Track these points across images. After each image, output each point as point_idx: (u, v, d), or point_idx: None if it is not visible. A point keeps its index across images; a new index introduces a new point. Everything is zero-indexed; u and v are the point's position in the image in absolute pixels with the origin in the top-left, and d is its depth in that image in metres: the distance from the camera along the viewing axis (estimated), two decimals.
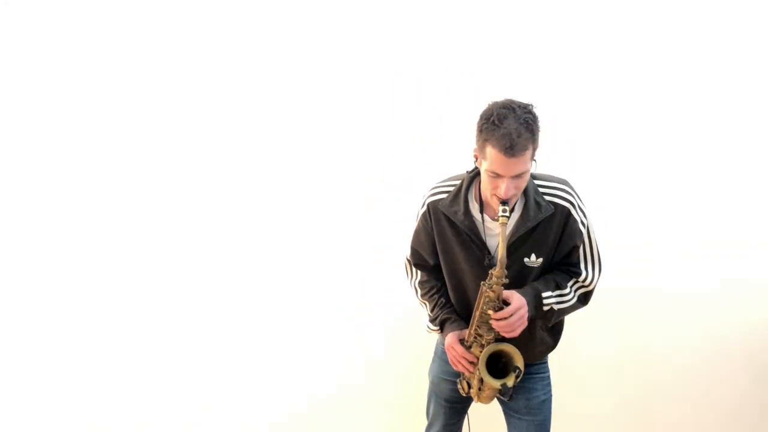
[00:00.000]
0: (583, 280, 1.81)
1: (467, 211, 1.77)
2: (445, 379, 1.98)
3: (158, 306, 2.63)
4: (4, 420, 2.63)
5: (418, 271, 2.00)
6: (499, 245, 1.64)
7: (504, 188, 1.61)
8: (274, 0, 2.59)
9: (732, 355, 2.60)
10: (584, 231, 1.78)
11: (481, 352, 1.78)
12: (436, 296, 1.95)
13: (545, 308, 1.76)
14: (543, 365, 1.96)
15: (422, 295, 1.99)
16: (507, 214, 1.61)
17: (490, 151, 1.60)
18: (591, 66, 2.55)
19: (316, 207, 2.61)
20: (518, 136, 1.57)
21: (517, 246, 1.75)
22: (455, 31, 2.55)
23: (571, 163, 2.52)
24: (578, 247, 1.79)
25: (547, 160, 2.49)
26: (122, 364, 2.64)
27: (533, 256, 1.76)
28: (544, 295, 1.76)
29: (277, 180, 2.62)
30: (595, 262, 1.83)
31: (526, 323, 1.71)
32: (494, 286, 1.69)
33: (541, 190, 1.76)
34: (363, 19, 2.58)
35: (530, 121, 1.61)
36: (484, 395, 1.86)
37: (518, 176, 1.62)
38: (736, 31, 2.53)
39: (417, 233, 1.93)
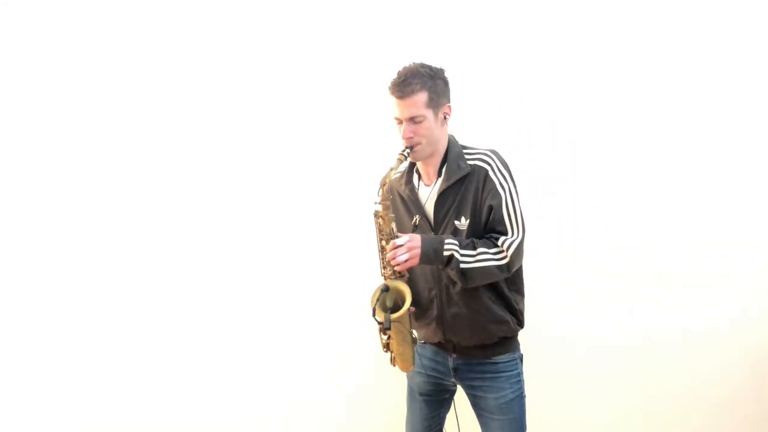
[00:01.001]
0: (502, 244, 1.82)
1: (409, 180, 1.95)
2: (417, 372, 2.02)
3: (159, 307, 2.63)
4: (4, 420, 2.62)
5: None
6: (388, 174, 1.79)
7: (403, 130, 1.81)
8: (274, 1, 2.59)
9: (732, 355, 2.60)
10: (503, 193, 1.83)
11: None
12: None
13: (445, 252, 1.80)
14: (511, 363, 1.94)
15: None
16: (405, 153, 1.80)
17: (392, 99, 1.82)
18: (591, 67, 2.55)
19: (316, 207, 2.62)
20: (406, 79, 1.78)
21: (446, 209, 1.87)
22: (456, 32, 2.56)
23: (571, 163, 2.53)
24: (495, 209, 1.83)
25: (548, 160, 2.52)
26: (122, 365, 2.65)
27: (462, 219, 1.86)
28: (449, 240, 1.81)
29: (277, 180, 2.62)
30: (518, 226, 1.85)
31: (416, 258, 1.78)
32: (382, 211, 1.82)
33: (466, 155, 1.89)
34: (364, 20, 2.59)
35: (426, 73, 1.81)
36: (395, 354, 1.88)
37: (415, 121, 1.80)
38: (735, 32, 2.52)
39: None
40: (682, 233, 2.56)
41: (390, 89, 1.82)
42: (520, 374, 1.96)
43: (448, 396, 2.08)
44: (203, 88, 2.61)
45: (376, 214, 1.85)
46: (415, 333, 1.95)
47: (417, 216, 1.91)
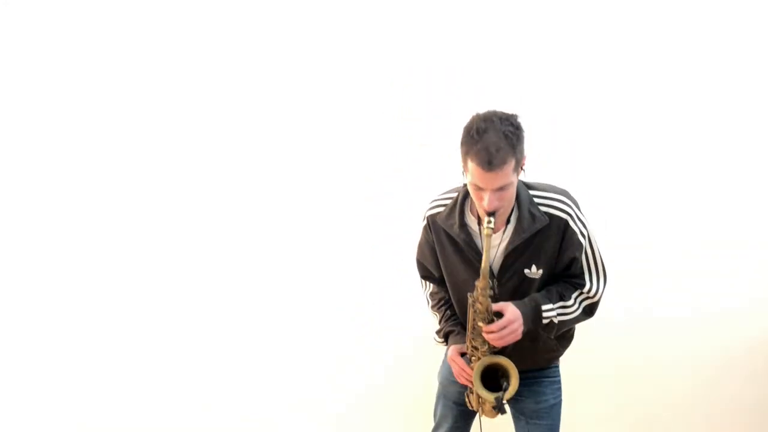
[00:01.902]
0: (588, 291, 1.79)
1: (463, 223, 1.78)
2: (454, 382, 1.95)
3: (159, 307, 2.63)
4: (4, 420, 2.63)
5: (429, 283, 2.01)
6: (483, 256, 1.65)
7: (487, 201, 1.61)
8: (275, 2, 2.59)
9: (733, 356, 2.60)
10: (584, 242, 1.76)
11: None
12: (443, 308, 1.95)
13: (545, 321, 1.74)
14: (553, 369, 1.93)
15: (432, 306, 2.00)
16: (491, 225, 1.61)
17: (471, 165, 1.61)
18: (590, 67, 2.54)
19: (316, 207, 2.61)
20: (497, 151, 1.56)
21: (515, 257, 1.75)
22: (456, 34, 2.55)
23: (571, 164, 2.53)
24: (578, 259, 1.77)
25: (548, 160, 2.51)
26: (121, 365, 2.64)
27: (533, 267, 1.75)
28: (544, 307, 1.74)
29: (276, 181, 2.62)
30: (600, 272, 1.81)
31: (519, 336, 1.70)
32: (479, 297, 1.69)
33: (537, 201, 1.75)
34: (365, 21, 2.58)
35: (510, 134, 1.60)
36: (486, 408, 1.84)
37: (501, 189, 1.61)
38: (735, 32, 2.52)
39: (420, 246, 1.96)
40: (682, 233, 2.56)
41: (471, 156, 1.60)
42: (560, 381, 1.95)
43: None
44: (204, 90, 2.61)
45: (475, 299, 1.71)
46: None
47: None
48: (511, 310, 1.69)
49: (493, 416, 1.85)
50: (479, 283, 1.68)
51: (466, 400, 1.89)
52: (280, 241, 2.62)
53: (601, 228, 2.49)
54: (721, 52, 2.52)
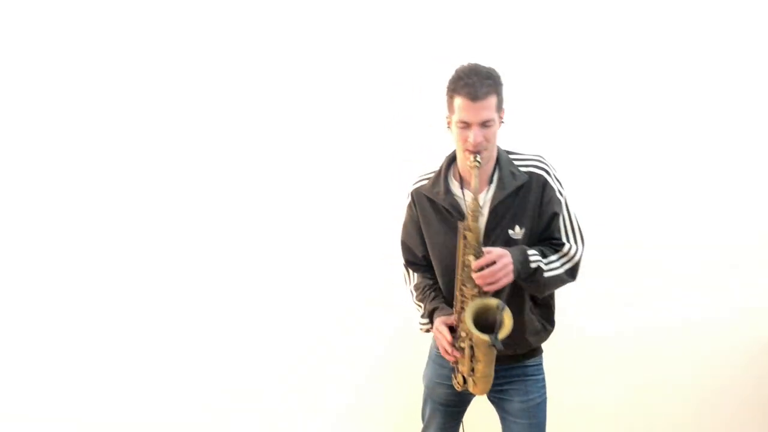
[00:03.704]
0: (567, 251, 1.81)
1: (448, 189, 1.84)
2: (440, 383, 1.97)
3: (159, 308, 2.64)
4: (3, 420, 2.65)
5: (414, 274, 2.01)
6: (473, 180, 1.69)
7: (473, 135, 1.70)
8: (275, 3, 2.59)
9: (732, 355, 2.60)
10: (562, 201, 1.81)
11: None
12: (428, 292, 1.95)
13: (532, 264, 1.73)
14: (538, 367, 1.94)
15: (416, 297, 2.00)
16: (479, 160, 1.70)
17: (458, 100, 1.72)
18: (591, 66, 2.54)
19: (314, 207, 2.62)
20: (482, 84, 1.69)
21: (500, 217, 1.79)
22: (458, 31, 2.55)
23: (571, 164, 2.51)
24: (558, 216, 1.80)
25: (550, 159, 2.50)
26: (123, 365, 2.66)
27: (516, 228, 1.79)
28: (530, 252, 1.74)
29: (277, 181, 2.62)
30: (577, 234, 1.83)
31: (511, 276, 1.68)
32: (470, 223, 1.70)
33: (516, 162, 1.83)
34: (365, 20, 2.58)
35: (493, 74, 1.74)
36: (478, 376, 1.76)
37: (485, 125, 1.71)
38: (734, 32, 2.51)
39: (405, 226, 2.00)
40: (683, 232, 2.55)
41: (458, 90, 1.71)
42: (544, 378, 1.96)
43: (467, 406, 2.05)
44: (204, 91, 2.61)
45: (465, 227, 1.71)
46: None
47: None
48: (498, 249, 1.70)
49: (484, 388, 1.78)
50: (470, 204, 1.72)
51: (454, 382, 1.86)
52: (276, 242, 2.63)
53: (601, 228, 2.51)
54: (721, 53, 2.51)
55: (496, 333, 1.62)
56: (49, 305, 2.63)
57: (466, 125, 1.72)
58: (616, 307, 2.56)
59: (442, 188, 1.83)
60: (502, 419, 1.97)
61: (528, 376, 1.91)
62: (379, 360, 2.60)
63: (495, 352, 1.69)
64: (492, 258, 1.66)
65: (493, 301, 1.68)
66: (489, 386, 1.79)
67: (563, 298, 2.51)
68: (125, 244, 2.63)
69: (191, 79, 2.61)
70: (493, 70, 1.76)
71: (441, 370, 1.95)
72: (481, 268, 1.66)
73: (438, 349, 1.87)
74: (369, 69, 2.57)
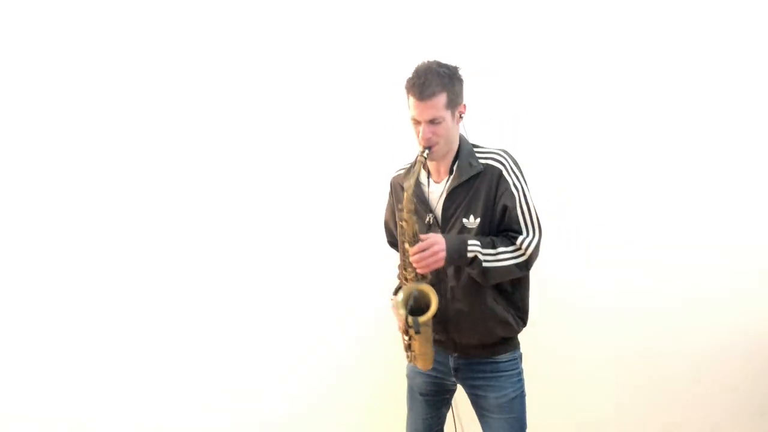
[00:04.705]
0: (520, 245, 1.84)
1: (417, 180, 1.93)
2: (419, 372, 2.02)
3: (159, 308, 2.64)
4: (4, 420, 2.65)
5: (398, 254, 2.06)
6: (410, 178, 1.78)
7: (422, 131, 1.80)
8: (275, 3, 2.58)
9: (731, 354, 2.59)
10: (517, 194, 1.85)
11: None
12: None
13: (469, 254, 1.79)
14: (512, 362, 1.95)
15: (398, 276, 2.04)
16: (426, 154, 1.80)
17: (410, 99, 1.82)
18: (598, 66, 2.53)
19: (314, 207, 2.62)
20: (429, 84, 1.77)
21: (455, 205, 1.88)
22: (464, 31, 2.55)
23: (571, 164, 2.51)
24: (511, 209, 1.84)
25: (546, 161, 2.50)
26: (123, 365, 2.65)
27: (471, 217, 1.86)
28: (470, 241, 1.80)
29: (277, 181, 2.62)
30: (534, 225, 1.86)
31: (441, 261, 1.77)
32: (404, 214, 1.79)
33: (477, 154, 1.90)
34: (366, 20, 2.58)
35: (444, 74, 1.80)
36: (416, 353, 1.89)
37: (434, 123, 1.80)
38: (735, 33, 2.50)
39: (386, 210, 2.13)
40: (684, 231, 2.55)
41: (409, 89, 1.81)
42: (520, 373, 1.97)
43: (448, 396, 2.09)
44: (205, 91, 2.61)
45: (400, 217, 1.82)
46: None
47: (430, 215, 1.91)
48: (433, 235, 1.81)
49: (424, 363, 1.91)
50: (405, 201, 1.78)
51: (406, 354, 1.95)
52: (273, 242, 2.63)
53: (600, 228, 2.51)
54: (722, 53, 2.51)
55: (416, 317, 1.77)
56: (49, 305, 2.63)
57: (416, 122, 1.83)
58: (617, 306, 2.56)
59: (413, 177, 1.92)
60: (480, 416, 1.99)
61: (501, 371, 1.93)
62: (379, 360, 2.60)
63: (430, 333, 1.85)
64: (423, 246, 1.77)
65: (422, 286, 1.81)
66: (429, 364, 1.92)
67: (562, 296, 2.55)
68: (125, 245, 2.63)
69: (191, 80, 2.61)
70: (449, 67, 1.83)
71: None
72: (415, 253, 1.77)
73: None
74: (369, 69, 2.57)
